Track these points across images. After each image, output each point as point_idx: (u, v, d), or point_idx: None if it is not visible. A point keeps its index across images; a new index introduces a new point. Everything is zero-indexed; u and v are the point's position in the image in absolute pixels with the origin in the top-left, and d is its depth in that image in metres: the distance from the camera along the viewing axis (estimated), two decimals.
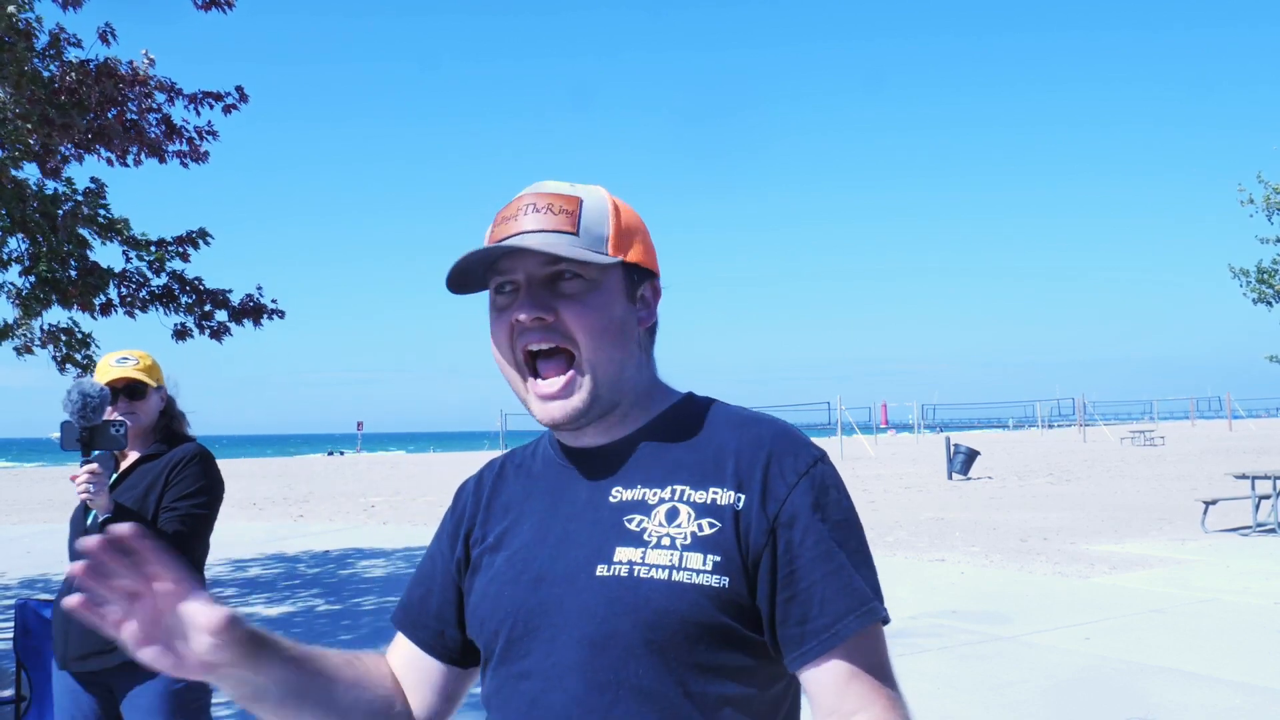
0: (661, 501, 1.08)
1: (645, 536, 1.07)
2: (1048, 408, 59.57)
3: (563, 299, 1.10)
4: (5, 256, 8.77)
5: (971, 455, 21.90)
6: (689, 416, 1.16)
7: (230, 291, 9.40)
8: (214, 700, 5.49)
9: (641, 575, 1.05)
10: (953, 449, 22.05)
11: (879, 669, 1.05)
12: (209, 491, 2.84)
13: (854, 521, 1.10)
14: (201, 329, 9.31)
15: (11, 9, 6.99)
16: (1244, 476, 12.02)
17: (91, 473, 2.57)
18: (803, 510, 1.06)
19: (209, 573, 10.79)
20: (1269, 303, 19.71)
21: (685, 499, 1.07)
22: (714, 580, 1.03)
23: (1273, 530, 11.30)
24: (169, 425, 2.95)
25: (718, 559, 1.04)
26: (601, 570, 1.07)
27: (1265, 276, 19.55)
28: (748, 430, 1.12)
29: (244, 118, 9.06)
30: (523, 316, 1.09)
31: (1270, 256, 19.58)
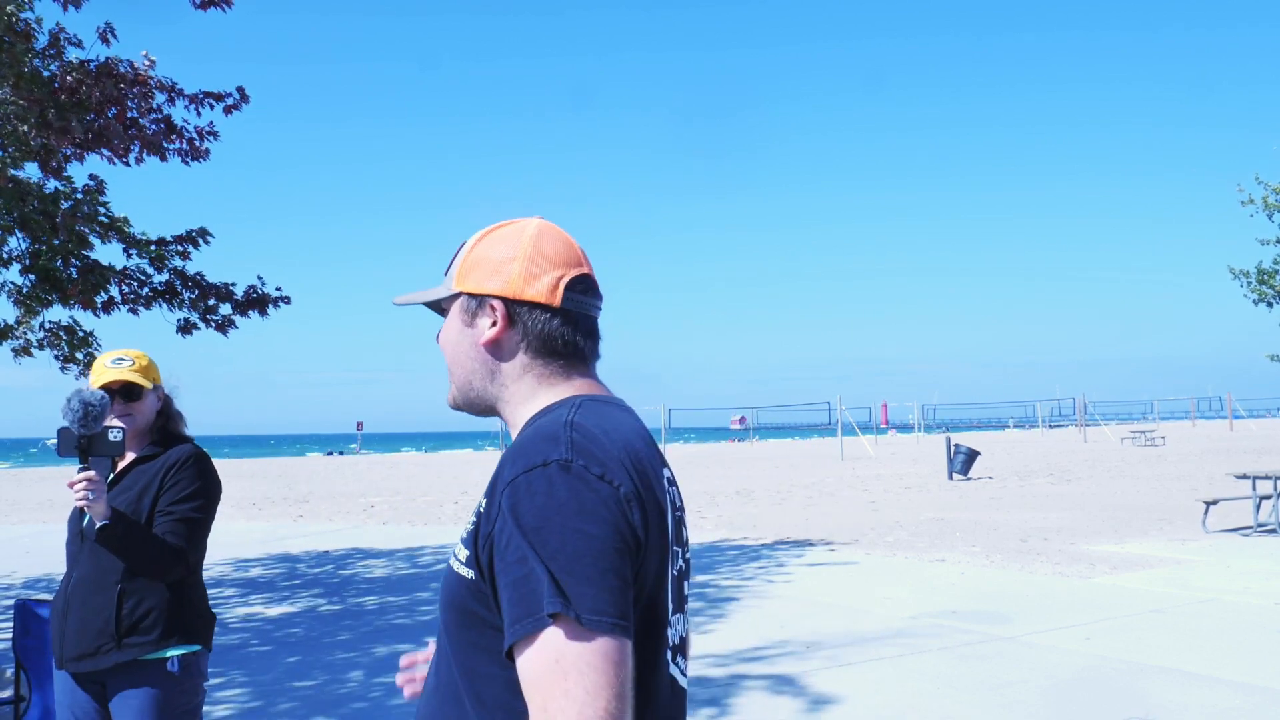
0: (479, 502, 1.23)
1: (464, 531, 1.24)
2: (1048, 408, 59.60)
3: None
4: (5, 255, 8.77)
5: (972, 455, 21.91)
6: (529, 425, 1.29)
7: (233, 285, 9.40)
8: (215, 701, 5.50)
9: (450, 562, 1.24)
10: (953, 449, 22.05)
11: (551, 675, 1.05)
12: (205, 494, 2.82)
13: (553, 525, 1.09)
14: (206, 322, 9.32)
15: (11, 8, 6.99)
16: (1245, 477, 12.02)
17: (89, 479, 2.56)
18: (506, 518, 1.12)
19: (210, 573, 10.83)
20: (1269, 303, 19.72)
21: (479, 500, 1.21)
22: (466, 572, 1.19)
23: (1273, 530, 11.29)
24: (165, 425, 2.93)
25: (469, 554, 1.19)
26: None
27: (1265, 277, 19.56)
28: (515, 442, 1.24)
29: (244, 117, 9.05)
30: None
31: (1270, 257, 19.61)
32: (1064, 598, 7.94)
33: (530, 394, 1.33)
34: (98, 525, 2.59)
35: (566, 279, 1.33)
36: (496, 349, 1.34)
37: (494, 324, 1.33)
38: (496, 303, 1.32)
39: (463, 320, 1.36)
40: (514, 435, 1.32)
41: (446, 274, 1.39)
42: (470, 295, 1.35)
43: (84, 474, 2.57)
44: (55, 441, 2.65)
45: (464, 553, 1.20)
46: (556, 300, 1.32)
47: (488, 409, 1.38)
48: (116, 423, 2.76)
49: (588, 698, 1.03)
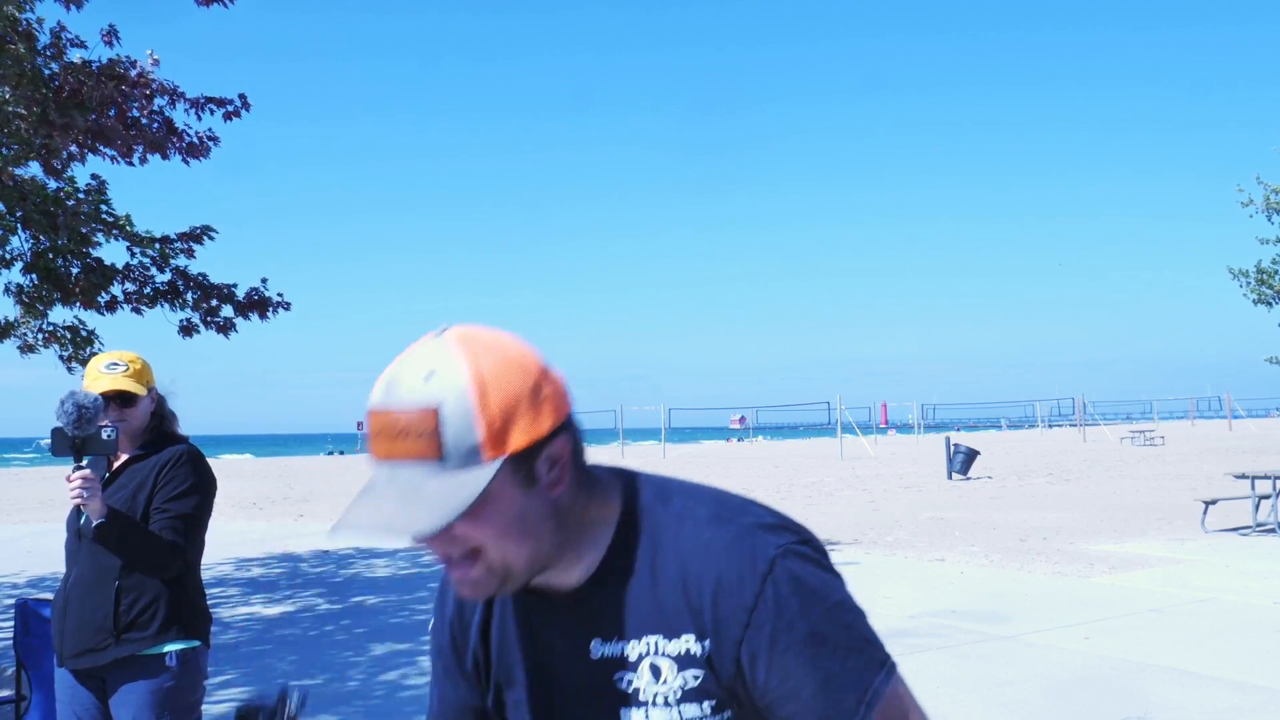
0: (641, 657, 1.09)
1: (641, 697, 1.10)
2: (1048, 408, 59.71)
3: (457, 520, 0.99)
4: (7, 254, 8.78)
5: (971, 455, 21.92)
6: (639, 540, 1.11)
7: (235, 286, 9.41)
8: (215, 700, 5.51)
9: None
10: (952, 449, 22.07)
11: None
12: (200, 490, 2.85)
13: (828, 619, 1.06)
14: (207, 324, 9.33)
15: (10, 9, 7.00)
16: (1244, 476, 12.03)
17: (85, 478, 2.60)
18: (762, 649, 1.04)
19: (212, 572, 10.86)
20: (1269, 303, 19.75)
21: (661, 652, 1.09)
22: (719, 718, 1.09)
23: (1272, 530, 11.31)
24: (159, 426, 2.96)
25: (713, 702, 1.08)
26: None
27: (1265, 277, 19.59)
28: (696, 550, 1.08)
29: (245, 115, 9.03)
30: (432, 555, 1.07)
31: (1270, 257, 19.64)
32: (1063, 597, 7.96)
33: (591, 516, 1.11)
34: (94, 523, 2.62)
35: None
36: (573, 485, 1.08)
37: (557, 464, 1.04)
38: (562, 437, 1.04)
39: (523, 484, 1.02)
40: (565, 574, 1.11)
41: (440, 457, 0.97)
42: (518, 454, 1.01)
43: (79, 473, 2.60)
44: (49, 441, 2.67)
45: (703, 705, 1.09)
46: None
47: (536, 574, 1.09)
48: (109, 422, 2.78)
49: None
